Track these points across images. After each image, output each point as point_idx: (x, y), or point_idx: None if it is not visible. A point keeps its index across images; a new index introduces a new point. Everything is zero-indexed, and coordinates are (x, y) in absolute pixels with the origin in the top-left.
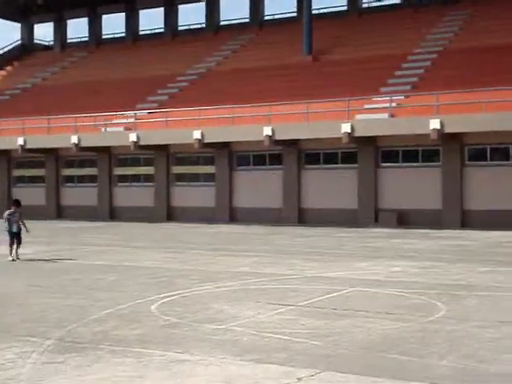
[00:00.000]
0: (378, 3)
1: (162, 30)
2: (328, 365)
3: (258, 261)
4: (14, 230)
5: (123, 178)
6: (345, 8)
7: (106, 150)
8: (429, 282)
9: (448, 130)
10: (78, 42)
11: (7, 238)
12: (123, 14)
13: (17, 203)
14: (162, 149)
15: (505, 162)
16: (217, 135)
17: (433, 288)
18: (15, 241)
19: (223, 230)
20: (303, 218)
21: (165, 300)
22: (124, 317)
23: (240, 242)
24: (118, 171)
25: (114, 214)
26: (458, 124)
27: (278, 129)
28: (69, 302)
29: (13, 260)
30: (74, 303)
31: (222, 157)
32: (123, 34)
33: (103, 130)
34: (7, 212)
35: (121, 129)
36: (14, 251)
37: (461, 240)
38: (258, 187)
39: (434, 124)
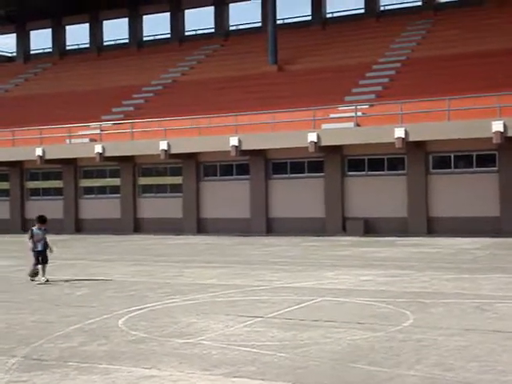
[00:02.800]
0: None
1: (127, 41)
2: (297, 377)
3: (226, 272)
4: (40, 248)
5: (89, 190)
6: (309, 18)
7: (71, 162)
8: (397, 291)
9: (412, 138)
10: (41, 54)
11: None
12: (87, 24)
13: (41, 220)
14: (128, 160)
15: (468, 170)
16: (183, 146)
17: (401, 296)
18: (41, 260)
19: (191, 241)
20: (271, 227)
21: (133, 314)
22: (91, 332)
23: (208, 253)
24: (84, 183)
25: (80, 227)
26: (422, 132)
27: (245, 139)
28: (35, 318)
29: (47, 281)
30: (40, 319)
31: (188, 167)
32: (87, 45)
33: (68, 141)
34: (32, 230)
35: (86, 140)
36: (40, 271)
37: (427, 247)
38: (225, 197)
39: (399, 132)
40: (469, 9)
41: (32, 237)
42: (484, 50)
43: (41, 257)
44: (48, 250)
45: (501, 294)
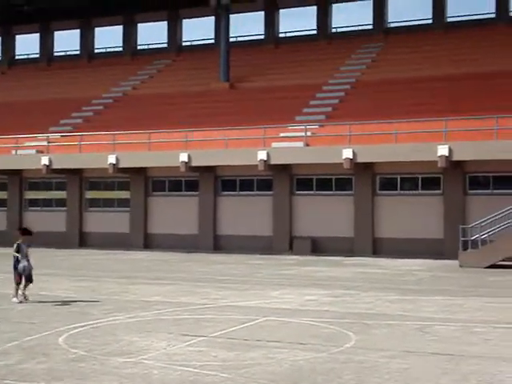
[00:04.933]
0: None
1: (78, 52)
2: None
3: (172, 289)
4: (21, 266)
5: (34, 202)
6: (262, 37)
7: (17, 173)
8: (341, 311)
9: (360, 159)
10: None
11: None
12: (37, 34)
13: (27, 233)
14: (75, 173)
15: (414, 192)
16: (132, 160)
17: (344, 317)
18: (24, 278)
19: (138, 256)
20: (219, 244)
21: (74, 331)
22: (30, 350)
23: (154, 269)
24: (30, 195)
25: None
26: (369, 154)
27: (195, 155)
28: None
29: (20, 302)
30: None
31: (137, 182)
32: (38, 55)
33: (14, 152)
34: (19, 245)
35: (33, 152)
36: (20, 291)
37: (372, 268)
38: (174, 213)
39: (347, 153)
40: (418, 34)
41: (18, 252)
42: (432, 75)
43: (24, 275)
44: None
45: (441, 317)
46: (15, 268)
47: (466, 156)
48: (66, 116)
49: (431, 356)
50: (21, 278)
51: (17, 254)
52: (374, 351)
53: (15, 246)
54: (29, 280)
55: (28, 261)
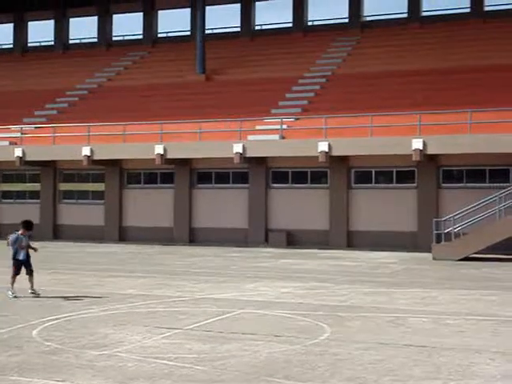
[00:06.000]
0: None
1: (52, 43)
2: None
3: (147, 282)
4: (21, 257)
5: (8, 195)
6: (238, 29)
7: None
8: (315, 304)
9: (335, 152)
10: None
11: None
12: (11, 24)
13: (28, 226)
14: (49, 165)
15: (389, 185)
16: (107, 152)
17: (319, 309)
18: (26, 271)
19: (112, 249)
20: (194, 237)
21: (47, 324)
22: (2, 342)
23: (129, 262)
24: (3, 187)
25: None
26: (345, 147)
27: (170, 147)
28: None
29: (15, 297)
30: None
31: (111, 174)
32: (11, 46)
33: None
34: (13, 236)
35: (6, 143)
36: (15, 284)
37: (346, 260)
38: (149, 206)
39: (322, 146)
40: (394, 28)
41: (15, 243)
42: (407, 69)
43: (24, 266)
44: (32, 251)
45: (415, 309)
46: (13, 259)
47: (440, 150)
48: (40, 107)
49: (404, 348)
50: (18, 270)
51: (10, 246)
52: (349, 343)
53: (10, 239)
54: (30, 272)
55: (28, 252)
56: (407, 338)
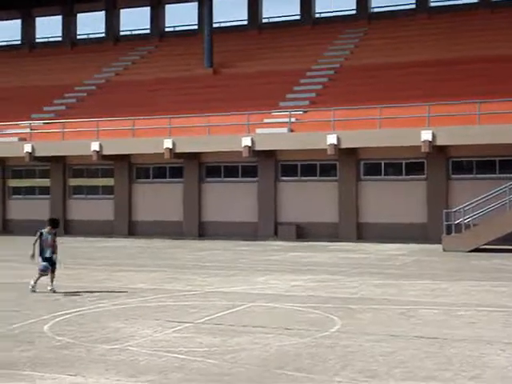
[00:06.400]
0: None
1: (60, 39)
2: (224, 383)
3: (157, 276)
4: (47, 255)
5: (17, 191)
6: (245, 23)
7: None
8: (325, 296)
9: (344, 145)
10: None
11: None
12: (19, 20)
13: (54, 223)
14: (59, 160)
15: (398, 177)
16: (116, 147)
17: (329, 302)
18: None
19: (122, 244)
20: (204, 231)
21: (59, 319)
22: (14, 338)
23: (139, 256)
24: (12, 183)
25: (7, 228)
26: (353, 139)
27: (179, 141)
28: None
29: (33, 291)
30: None
31: (121, 169)
32: (19, 42)
33: None
34: (42, 233)
35: (15, 139)
36: (49, 287)
37: (356, 253)
38: (159, 200)
39: (331, 139)
40: (401, 19)
41: (40, 241)
42: (415, 60)
43: (49, 264)
44: (53, 256)
45: (425, 300)
46: (40, 257)
47: (450, 141)
48: (48, 103)
49: (415, 340)
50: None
51: (34, 244)
52: (359, 335)
53: (37, 234)
54: (53, 269)
55: (54, 250)
56: (418, 329)
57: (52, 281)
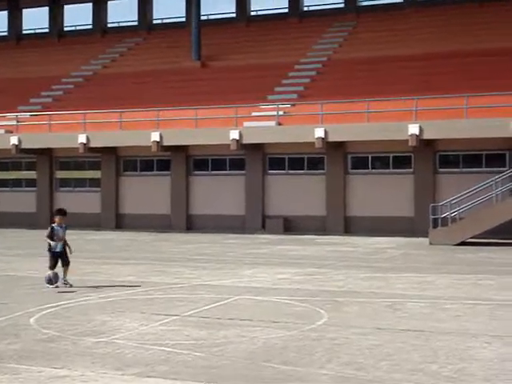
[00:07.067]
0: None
1: (47, 31)
2: (211, 376)
3: (144, 269)
4: (58, 249)
5: (4, 183)
6: (233, 15)
7: None
8: (313, 289)
9: (332, 138)
10: None
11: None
12: (6, 12)
13: (62, 214)
14: (45, 153)
15: (385, 171)
16: (103, 140)
17: (316, 295)
18: (61, 262)
19: (109, 237)
20: (191, 224)
21: (45, 312)
22: (1, 330)
23: (126, 249)
24: None
25: None
26: (341, 133)
27: (166, 134)
28: None
29: (56, 287)
30: None
31: (108, 162)
32: (6, 33)
33: None
34: (53, 228)
35: (1, 131)
36: (61, 280)
37: (344, 246)
38: (146, 193)
39: (319, 132)
40: (390, 12)
41: (52, 236)
42: (403, 54)
43: (61, 259)
44: (68, 251)
45: (412, 294)
46: (50, 251)
47: (437, 135)
48: (35, 95)
49: (402, 332)
50: (55, 263)
51: (50, 241)
52: (346, 328)
53: (49, 229)
54: (66, 263)
55: (65, 243)
56: (404, 322)
57: (65, 275)
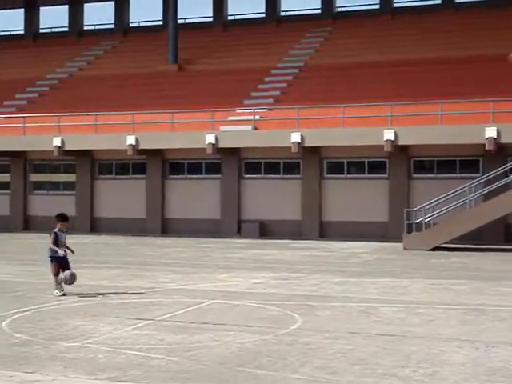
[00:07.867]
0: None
1: (22, 32)
2: (184, 381)
3: (119, 273)
4: (61, 255)
5: None
6: (210, 19)
7: None
8: (287, 294)
9: (308, 143)
10: None
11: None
12: None
13: (64, 219)
14: (19, 155)
15: (360, 176)
16: (78, 143)
17: (290, 299)
18: (62, 269)
19: (84, 240)
20: (167, 228)
21: (17, 316)
22: None
23: (101, 253)
24: None
25: None
26: (317, 138)
27: (142, 138)
28: None
29: (63, 295)
30: None
31: (83, 165)
32: None
33: None
34: (56, 233)
35: None
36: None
37: (318, 251)
38: (121, 196)
39: (295, 137)
40: (366, 19)
41: (57, 242)
42: (379, 60)
43: (63, 264)
44: (70, 253)
45: (385, 298)
46: (52, 258)
47: (411, 141)
48: (9, 97)
49: (375, 337)
50: (59, 269)
51: (55, 248)
52: (319, 333)
53: (52, 235)
54: (68, 269)
55: (65, 250)
56: (378, 327)
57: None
